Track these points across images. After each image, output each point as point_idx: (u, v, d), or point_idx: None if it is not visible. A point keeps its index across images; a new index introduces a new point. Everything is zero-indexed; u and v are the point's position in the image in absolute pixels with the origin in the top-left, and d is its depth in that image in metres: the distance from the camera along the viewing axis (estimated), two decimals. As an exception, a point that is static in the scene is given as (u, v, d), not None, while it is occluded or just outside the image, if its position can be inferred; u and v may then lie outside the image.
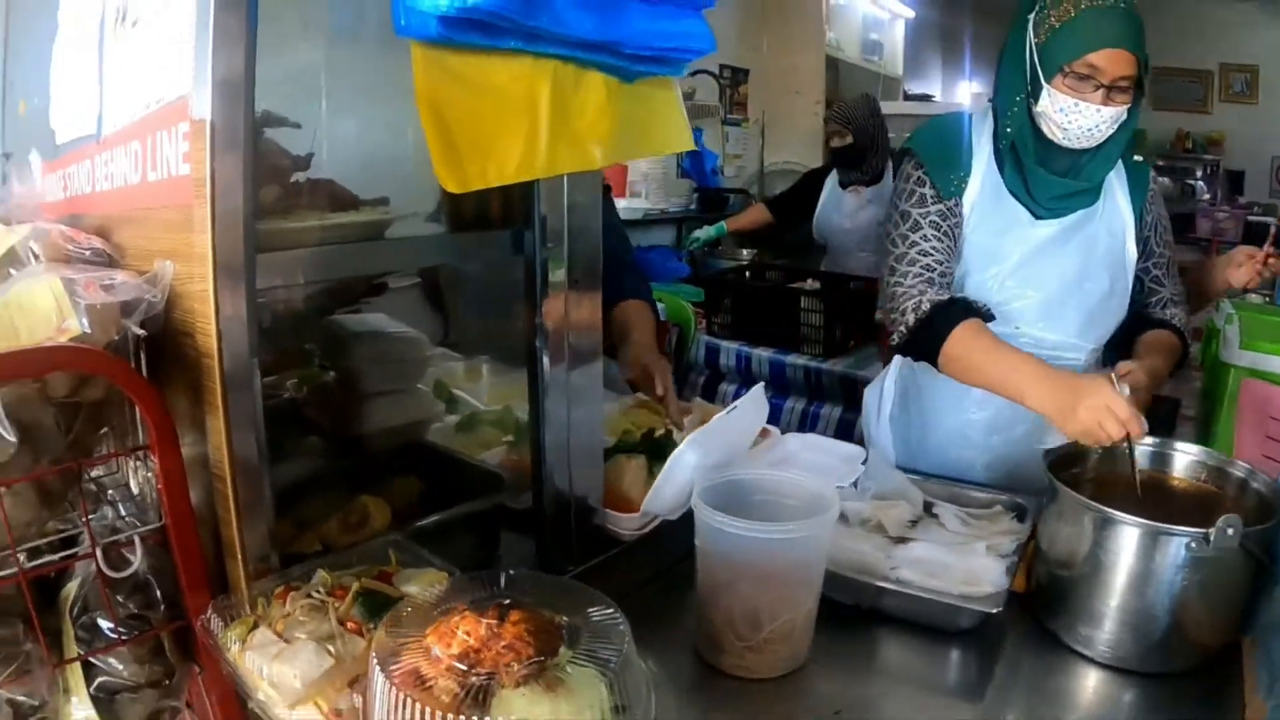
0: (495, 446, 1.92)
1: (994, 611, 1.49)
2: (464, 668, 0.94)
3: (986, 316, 1.99)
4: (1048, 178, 1.98)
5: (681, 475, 1.63)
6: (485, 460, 1.88)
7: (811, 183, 4.89)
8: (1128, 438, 1.63)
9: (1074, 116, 1.87)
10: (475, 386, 2.09)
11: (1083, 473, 1.72)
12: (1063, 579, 1.54)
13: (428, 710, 0.90)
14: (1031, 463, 1.71)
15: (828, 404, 3.95)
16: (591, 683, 0.94)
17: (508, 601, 1.04)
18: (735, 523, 1.37)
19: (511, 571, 1.11)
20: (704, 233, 4.98)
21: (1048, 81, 1.88)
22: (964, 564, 1.60)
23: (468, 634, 0.97)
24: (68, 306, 1.26)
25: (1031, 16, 1.91)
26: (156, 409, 1.20)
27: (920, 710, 1.41)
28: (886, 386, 2.44)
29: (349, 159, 1.73)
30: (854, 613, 1.59)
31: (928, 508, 1.84)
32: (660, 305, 4.09)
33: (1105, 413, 1.63)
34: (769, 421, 2.02)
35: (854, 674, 1.50)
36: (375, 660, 0.97)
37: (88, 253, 1.55)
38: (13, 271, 1.49)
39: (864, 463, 2.00)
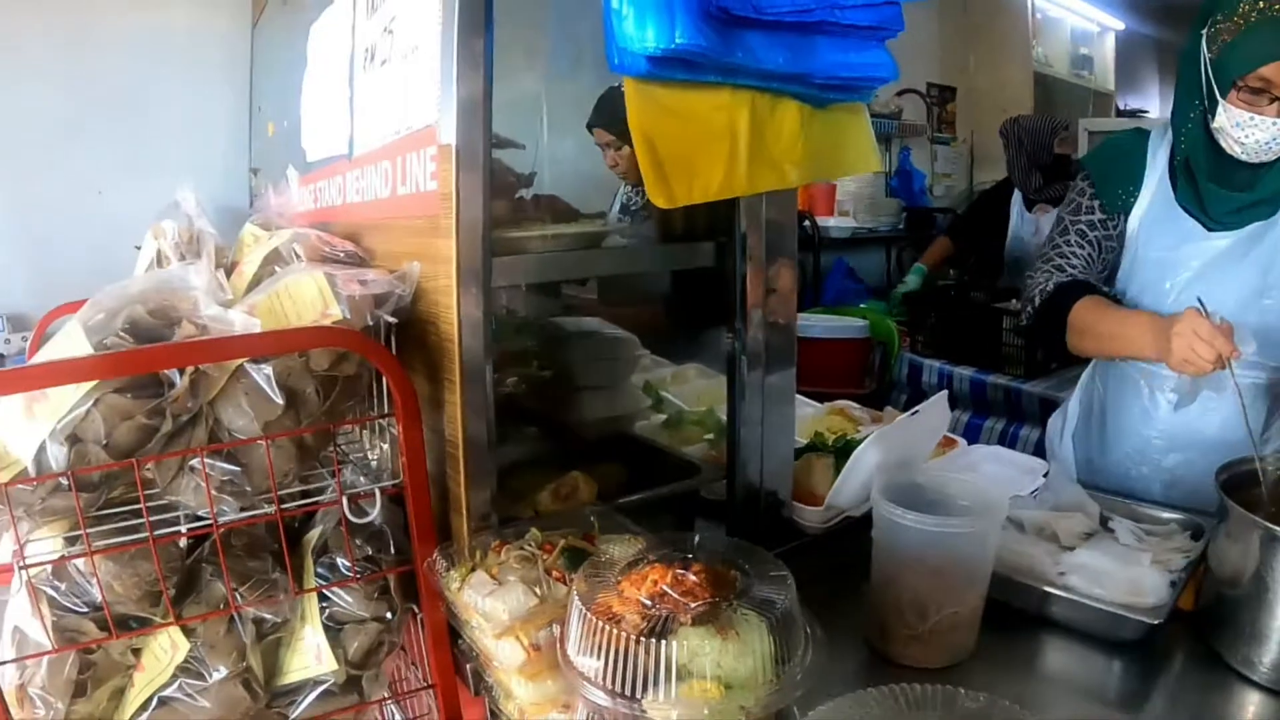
0: (697, 443, 2.06)
1: (1156, 623, 1.49)
2: (649, 604, 1.10)
3: (1112, 300, 2.03)
4: (1221, 192, 1.98)
5: (863, 472, 1.73)
6: (685, 452, 2.02)
7: (990, 202, 4.87)
8: (1227, 362, 1.66)
9: (1250, 130, 1.86)
10: (682, 389, 2.23)
11: (1259, 495, 1.68)
12: (1229, 598, 1.51)
13: (616, 636, 1.06)
14: (1211, 486, 1.68)
15: (1027, 425, 3.90)
16: (757, 631, 1.08)
17: (691, 556, 1.20)
18: (908, 515, 1.44)
19: (701, 535, 1.26)
20: (908, 283, 4.93)
21: (1222, 96, 1.87)
22: (1128, 574, 1.61)
23: (655, 580, 1.13)
24: (330, 296, 1.48)
25: (1205, 31, 1.91)
26: (403, 382, 1.41)
27: (1078, 717, 1.41)
28: (1070, 405, 2.47)
29: (566, 177, 1.92)
30: (1020, 616, 1.61)
31: (1104, 522, 1.85)
32: (864, 322, 4.20)
33: (1191, 336, 1.69)
34: (968, 441, 2.11)
35: (1015, 674, 1.51)
36: (576, 595, 1.15)
37: (341, 254, 1.79)
38: (277, 269, 1.73)
39: (1045, 475, 2.04)
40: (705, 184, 1.45)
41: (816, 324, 3.98)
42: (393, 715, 1.87)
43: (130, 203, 2.64)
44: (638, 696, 1.06)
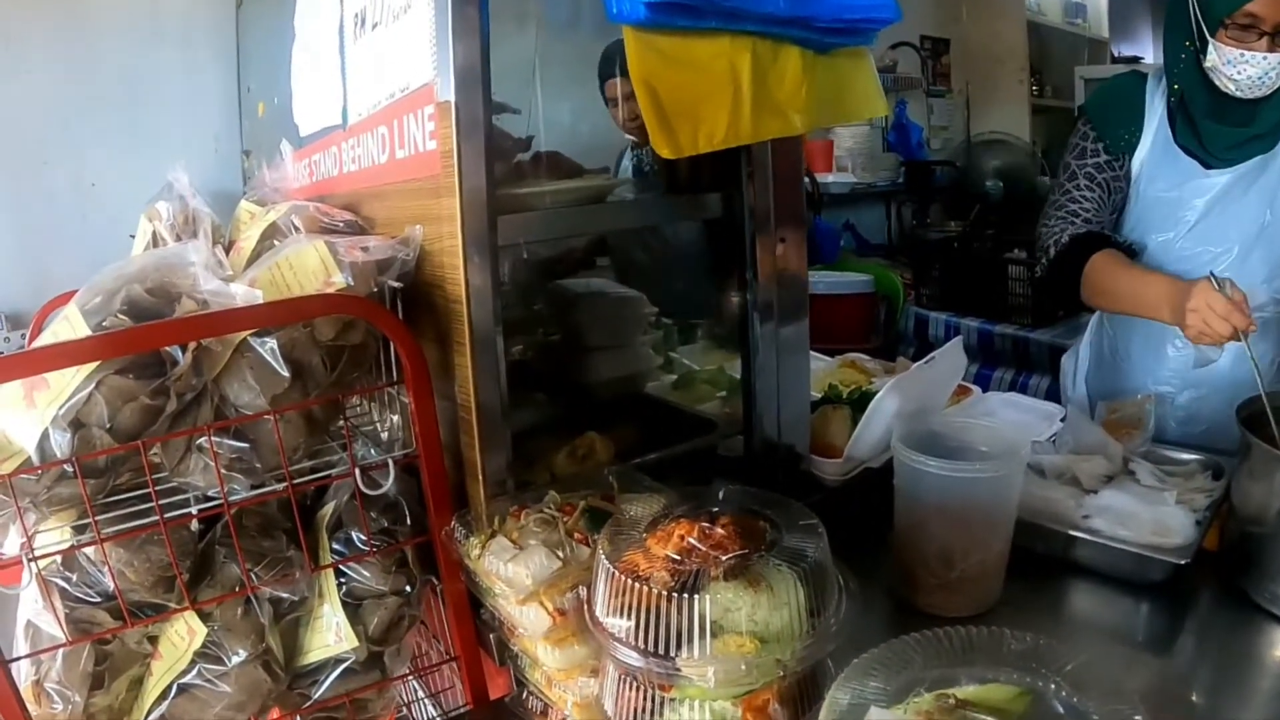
0: (709, 401, 2.04)
1: (1183, 563, 1.49)
2: (678, 559, 1.07)
3: (1128, 252, 2.04)
4: (1220, 129, 1.97)
5: (882, 421, 1.71)
6: (700, 410, 2.00)
7: None
8: (1243, 334, 1.66)
9: (1242, 67, 1.87)
10: (691, 349, 2.21)
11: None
12: (1254, 536, 1.52)
13: (646, 594, 1.04)
14: (1229, 423, 1.69)
15: (1036, 374, 3.91)
16: (790, 583, 1.06)
17: (716, 509, 1.17)
18: (930, 462, 1.43)
19: (730, 487, 1.24)
20: None
21: (1211, 36, 1.88)
22: (1153, 514, 1.60)
23: (683, 535, 1.10)
24: (332, 264, 1.44)
25: None
26: (411, 348, 1.38)
27: (1107, 659, 1.40)
28: (1082, 348, 2.48)
29: (564, 141, 1.88)
30: (1045, 561, 1.60)
31: (1125, 464, 1.83)
32: (869, 277, 4.21)
33: (1206, 312, 1.70)
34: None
35: (1042, 620, 1.50)
36: (602, 554, 1.12)
37: (340, 224, 1.76)
38: (276, 242, 1.69)
39: (1062, 420, 2.02)
40: (710, 132, 1.42)
41: (820, 280, 3.97)
42: (415, 691, 1.85)
43: (123, 193, 2.63)
44: (671, 655, 1.03)
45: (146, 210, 2.10)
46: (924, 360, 1.78)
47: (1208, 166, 2.02)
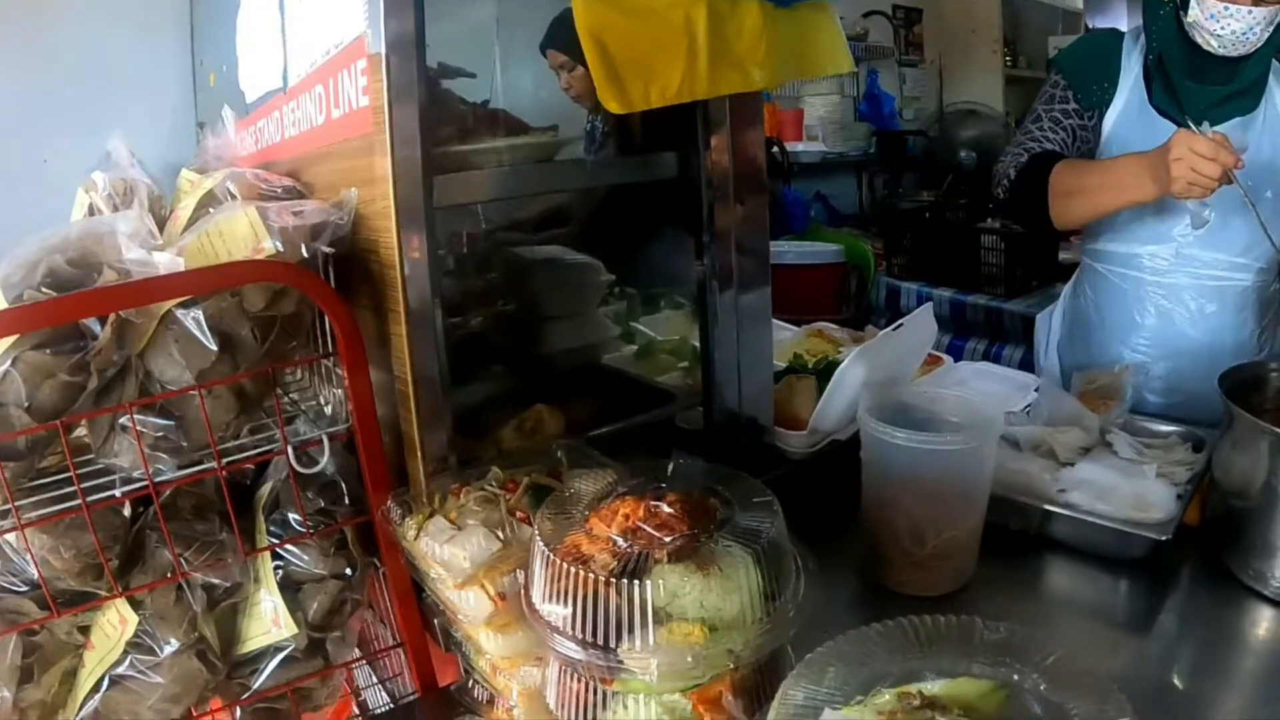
0: (671, 372, 1.97)
1: (1164, 539, 1.44)
2: (621, 543, 0.99)
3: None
4: (1197, 88, 1.92)
5: (848, 390, 1.64)
6: (658, 381, 1.93)
7: None
8: (1229, 175, 1.63)
9: (1226, 21, 1.80)
10: (654, 319, 2.14)
11: (1263, 401, 1.63)
12: (1237, 510, 1.46)
13: (585, 579, 0.95)
14: (1208, 394, 1.64)
15: (1009, 345, 3.90)
16: (743, 565, 0.97)
17: (664, 485, 1.09)
18: (898, 433, 1.36)
19: (680, 461, 1.15)
20: None
21: None
22: (1134, 488, 1.55)
23: (627, 515, 1.01)
24: (262, 230, 1.36)
25: None
26: (343, 315, 1.29)
27: (1086, 639, 1.37)
28: (1055, 315, 2.44)
29: (525, 108, 1.80)
30: (1020, 538, 1.56)
31: (1102, 436, 1.78)
32: (839, 247, 4.19)
33: (1190, 157, 1.65)
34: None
35: (1018, 599, 1.46)
36: (538, 536, 1.03)
37: (279, 190, 1.67)
38: (211, 211, 1.59)
39: (1036, 390, 1.97)
40: (663, 86, 1.34)
41: (789, 250, 3.95)
42: (369, 677, 1.78)
43: (78, 171, 2.55)
44: (613, 645, 0.95)
45: (84, 182, 2.01)
46: (892, 327, 1.71)
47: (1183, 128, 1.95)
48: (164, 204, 1.97)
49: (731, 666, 0.93)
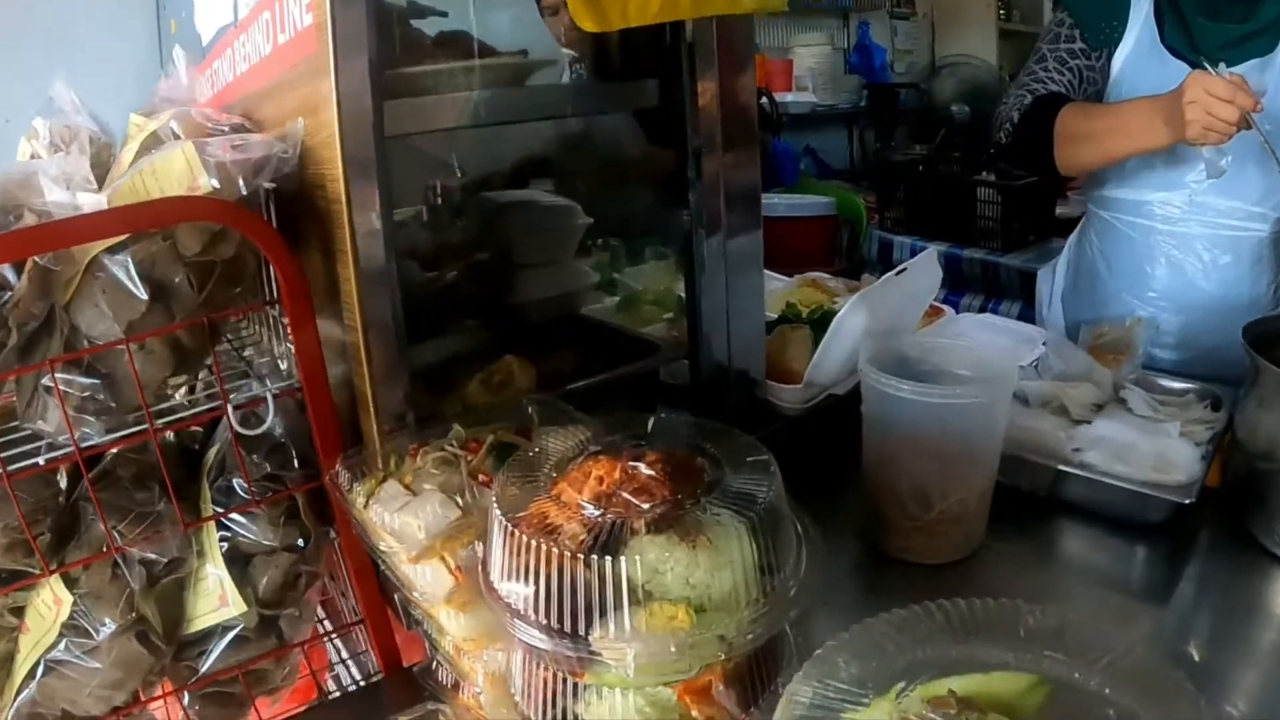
0: (655, 324, 1.86)
1: (1187, 502, 1.36)
2: (593, 511, 0.85)
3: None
4: (1212, 26, 1.82)
5: (847, 340, 1.54)
6: (641, 332, 1.82)
7: None
8: (1247, 119, 1.56)
9: None
10: (638, 270, 2.03)
11: None
12: (1262, 473, 1.37)
13: (551, 554, 0.82)
14: (1222, 349, 1.60)
15: (1006, 300, 3.82)
16: (735, 535, 0.84)
17: (644, 444, 0.95)
18: (904, 386, 1.27)
19: (662, 415, 1.01)
20: None
21: None
22: (1155, 447, 1.46)
23: (601, 478, 0.88)
24: (199, 166, 1.22)
25: None
26: (285, 257, 1.15)
27: (1102, 610, 1.29)
28: (1059, 265, 2.35)
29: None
30: (1031, 500, 1.48)
31: (1115, 392, 1.68)
32: (829, 200, 4.10)
33: (1206, 100, 1.58)
34: (943, 316, 1.92)
35: (1029, 567, 1.39)
36: (495, 504, 0.90)
37: (227, 129, 1.53)
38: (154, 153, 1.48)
39: (1044, 344, 1.85)
40: (642, 3, 1.20)
41: (779, 201, 3.85)
42: (339, 650, 1.66)
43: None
44: (583, 632, 0.81)
45: (27, 131, 1.89)
46: (895, 270, 1.59)
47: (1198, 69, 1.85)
48: (112, 152, 1.85)
49: (723, 657, 0.80)
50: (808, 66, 5.16)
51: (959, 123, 5.02)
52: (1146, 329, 1.91)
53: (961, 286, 3.90)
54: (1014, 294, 3.76)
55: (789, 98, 4.88)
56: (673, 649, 0.77)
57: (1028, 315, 3.56)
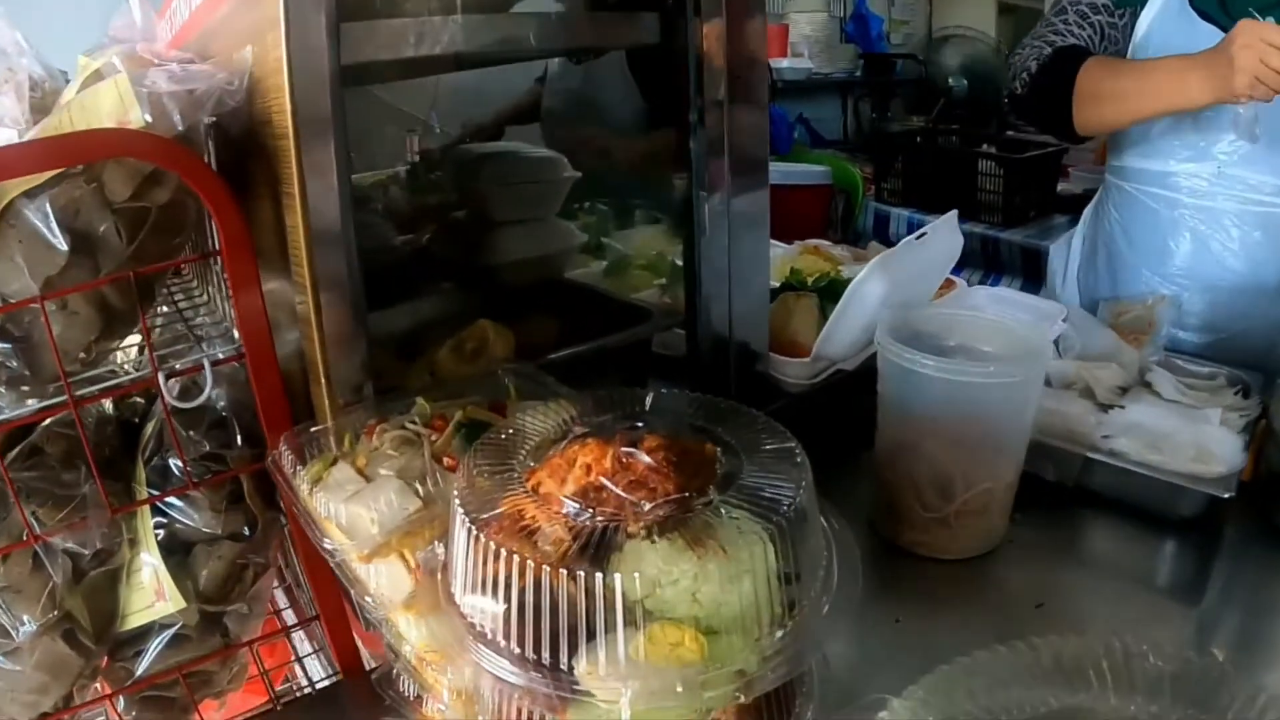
0: (645, 290, 1.74)
1: (1226, 496, 1.27)
2: (579, 509, 0.70)
3: None
4: None
5: (862, 311, 1.43)
6: (632, 298, 1.69)
7: None
8: None
9: None
10: (628, 234, 1.91)
11: None
12: None
13: (525, 565, 0.66)
14: (1251, 333, 1.55)
15: (1006, 276, 3.73)
16: (755, 542, 0.69)
17: (641, 425, 0.80)
18: (928, 361, 1.16)
19: (662, 391, 0.86)
20: None
21: None
22: (1194, 435, 1.35)
23: (588, 466, 0.72)
24: (131, 98, 1.06)
25: None
26: (224, 202, 0.99)
27: (1130, 609, 1.21)
28: (1075, 240, 2.25)
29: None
30: (1054, 490, 1.39)
31: (1140, 375, 1.57)
32: (825, 169, 4.04)
33: (1261, 47, 1.50)
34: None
35: (1053, 563, 1.30)
36: (458, 500, 0.74)
37: (175, 65, 1.38)
38: (94, 90, 1.34)
39: (1064, 320, 1.73)
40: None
41: (773, 169, 3.70)
42: (302, 644, 1.52)
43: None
44: (565, 663, 0.65)
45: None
46: (915, 235, 1.47)
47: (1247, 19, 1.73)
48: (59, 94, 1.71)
49: (739, 698, 0.64)
50: (804, 33, 5.12)
51: (957, 96, 4.96)
52: (1170, 308, 1.81)
53: (960, 262, 3.79)
54: (1014, 270, 3.68)
55: (784, 64, 4.82)
56: (679, 688, 0.61)
57: (1029, 292, 3.52)
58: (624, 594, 0.65)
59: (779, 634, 0.67)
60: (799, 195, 3.80)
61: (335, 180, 1.00)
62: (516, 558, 0.66)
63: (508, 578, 0.67)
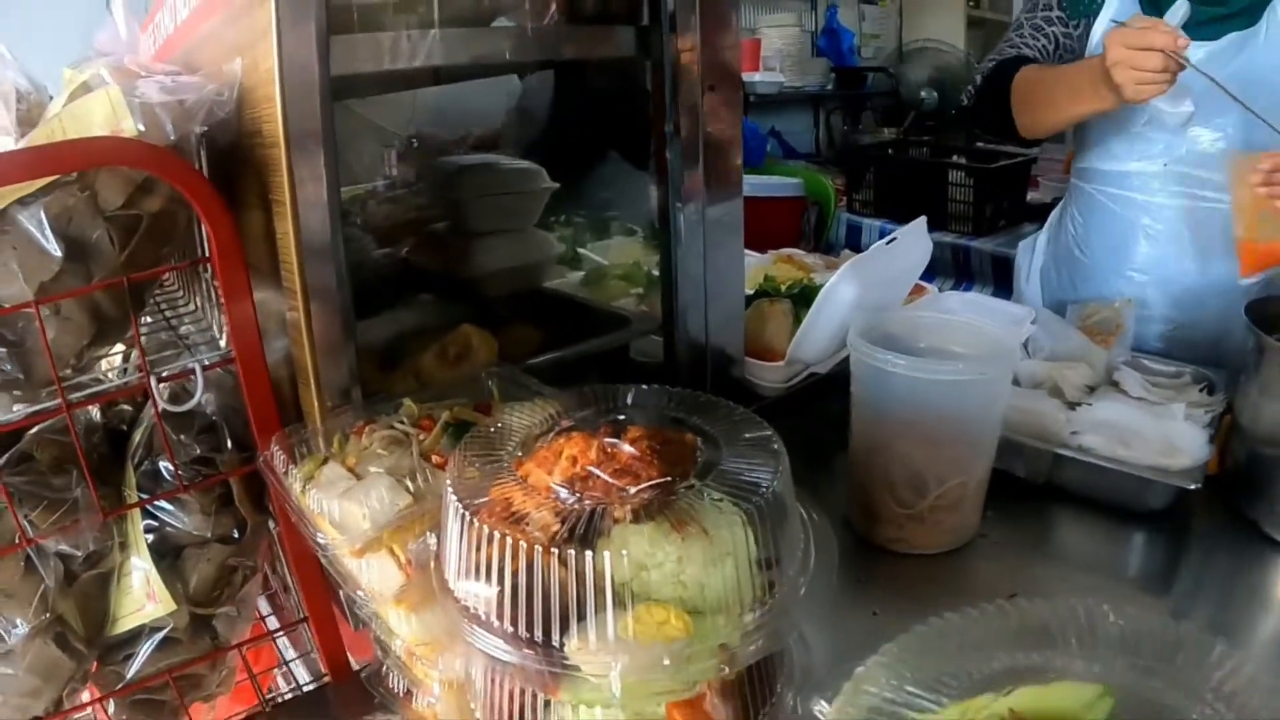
0: (622, 299, 1.76)
1: (1192, 488, 1.29)
2: (567, 496, 0.73)
3: None
4: (1192, 7, 1.71)
5: (835, 314, 1.45)
6: (611, 306, 1.72)
7: None
8: (1178, 60, 1.50)
9: None
10: (604, 245, 1.93)
11: None
12: (1265, 459, 1.31)
13: (518, 547, 0.69)
14: (1209, 331, 1.56)
15: (978, 284, 3.75)
16: (735, 524, 0.72)
17: (623, 418, 0.83)
18: (899, 361, 1.18)
19: (643, 387, 0.89)
20: None
21: None
22: (1161, 430, 1.37)
23: (574, 457, 0.76)
24: (123, 108, 1.09)
25: None
26: (216, 210, 1.01)
27: (1101, 600, 1.20)
28: (1040, 240, 2.29)
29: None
30: (1025, 486, 1.41)
31: (1108, 374, 1.60)
32: (797, 181, 4.05)
33: (1123, 52, 1.53)
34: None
35: (1026, 556, 1.32)
36: (451, 488, 0.77)
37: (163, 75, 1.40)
38: (81, 104, 1.35)
39: (1033, 323, 1.76)
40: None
41: (745, 181, 3.74)
42: (289, 649, 1.54)
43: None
44: (556, 641, 0.68)
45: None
46: (885, 240, 1.50)
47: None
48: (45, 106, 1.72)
49: (724, 670, 0.67)
50: (775, 47, 5.10)
51: (927, 108, 5.03)
52: (1137, 309, 1.84)
53: (931, 270, 3.82)
54: (985, 279, 3.71)
55: (756, 77, 4.81)
56: (666, 661, 0.64)
57: (1000, 297, 3.57)
58: (612, 575, 0.68)
59: (758, 612, 0.71)
60: (772, 207, 3.83)
61: (325, 188, 1.03)
62: (509, 540, 0.69)
63: (500, 561, 0.70)
